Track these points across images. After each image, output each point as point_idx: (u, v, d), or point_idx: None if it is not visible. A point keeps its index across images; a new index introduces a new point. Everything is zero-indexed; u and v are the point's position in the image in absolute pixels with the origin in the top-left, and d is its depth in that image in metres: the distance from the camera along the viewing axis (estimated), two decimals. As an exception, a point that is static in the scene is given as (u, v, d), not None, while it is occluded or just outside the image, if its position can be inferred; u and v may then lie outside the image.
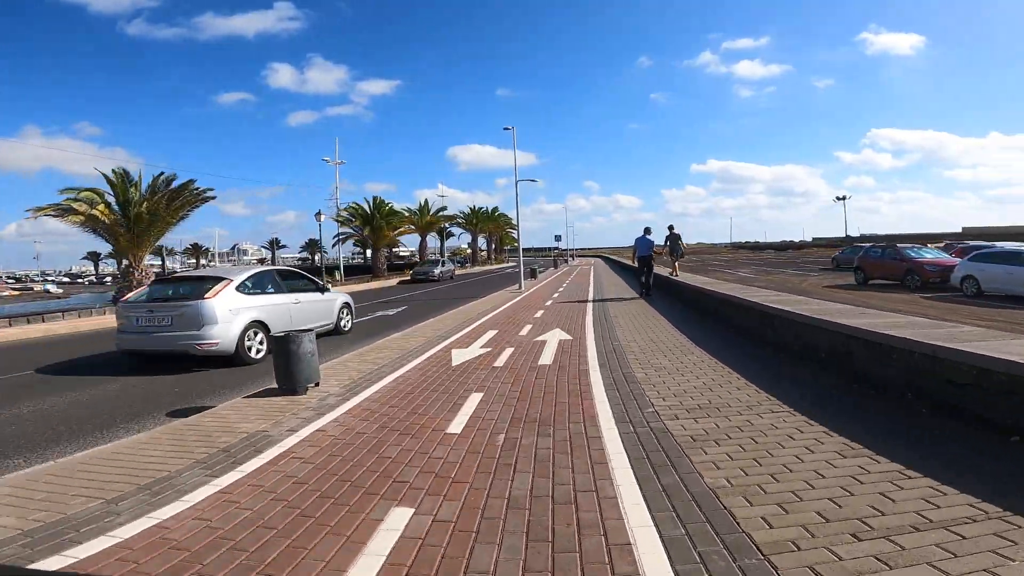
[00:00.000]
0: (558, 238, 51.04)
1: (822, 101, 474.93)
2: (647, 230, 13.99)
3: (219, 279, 7.52)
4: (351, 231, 40.18)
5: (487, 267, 57.74)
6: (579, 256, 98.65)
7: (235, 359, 7.26)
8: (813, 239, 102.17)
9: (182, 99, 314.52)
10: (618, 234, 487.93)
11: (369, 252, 46.21)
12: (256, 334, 7.61)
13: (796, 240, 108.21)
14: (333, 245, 47.05)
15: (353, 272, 44.86)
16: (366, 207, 38.20)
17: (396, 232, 41.09)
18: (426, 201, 52.91)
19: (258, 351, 7.58)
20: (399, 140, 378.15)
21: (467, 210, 66.00)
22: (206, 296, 7.11)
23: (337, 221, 38.47)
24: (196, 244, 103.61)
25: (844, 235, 73.83)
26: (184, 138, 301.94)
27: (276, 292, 8.42)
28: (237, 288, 7.58)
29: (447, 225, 59.50)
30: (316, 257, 32.56)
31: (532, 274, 27.22)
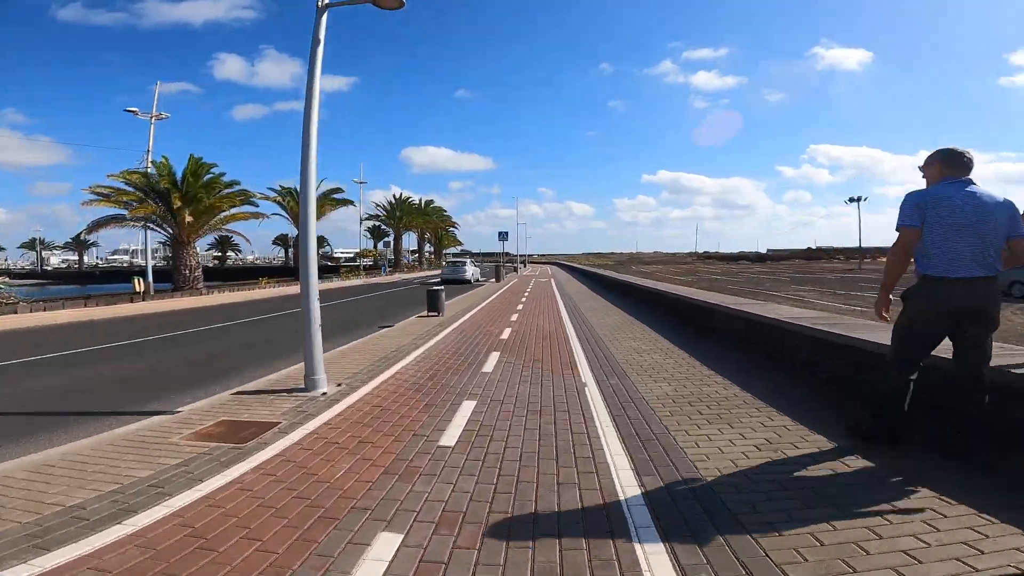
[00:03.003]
0: (503, 235, 36.70)
1: (771, 115, 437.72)
2: (959, 158, 2.84)
3: (467, 261, 26.05)
4: (125, 213, 22.29)
5: (412, 274, 42.86)
6: (531, 263, 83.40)
7: (469, 282, 23.40)
8: (768, 250, 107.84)
9: (119, 88, 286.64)
10: (570, 241, 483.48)
11: (236, 251, 41.27)
12: (475, 275, 24.33)
13: (749, 251, 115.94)
14: (87, 232, 31.60)
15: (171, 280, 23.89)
16: (172, 174, 22.63)
17: (220, 217, 24.44)
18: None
19: (475, 281, 23.95)
20: (353, 140, 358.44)
21: (392, 200, 54.45)
22: (466, 264, 24.69)
23: (98, 194, 21.98)
24: (79, 238, 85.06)
25: (815, 246, 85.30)
26: (120, 128, 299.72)
27: (474, 265, 25.97)
28: (470, 262, 25.51)
29: (369, 218, 49.79)
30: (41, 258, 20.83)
31: (431, 304, 13.07)
